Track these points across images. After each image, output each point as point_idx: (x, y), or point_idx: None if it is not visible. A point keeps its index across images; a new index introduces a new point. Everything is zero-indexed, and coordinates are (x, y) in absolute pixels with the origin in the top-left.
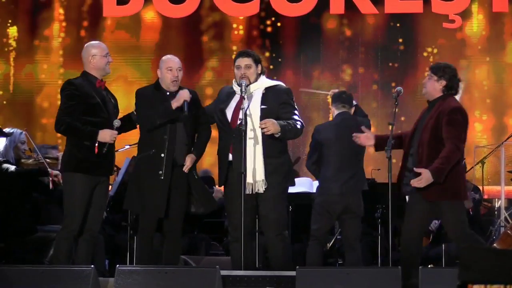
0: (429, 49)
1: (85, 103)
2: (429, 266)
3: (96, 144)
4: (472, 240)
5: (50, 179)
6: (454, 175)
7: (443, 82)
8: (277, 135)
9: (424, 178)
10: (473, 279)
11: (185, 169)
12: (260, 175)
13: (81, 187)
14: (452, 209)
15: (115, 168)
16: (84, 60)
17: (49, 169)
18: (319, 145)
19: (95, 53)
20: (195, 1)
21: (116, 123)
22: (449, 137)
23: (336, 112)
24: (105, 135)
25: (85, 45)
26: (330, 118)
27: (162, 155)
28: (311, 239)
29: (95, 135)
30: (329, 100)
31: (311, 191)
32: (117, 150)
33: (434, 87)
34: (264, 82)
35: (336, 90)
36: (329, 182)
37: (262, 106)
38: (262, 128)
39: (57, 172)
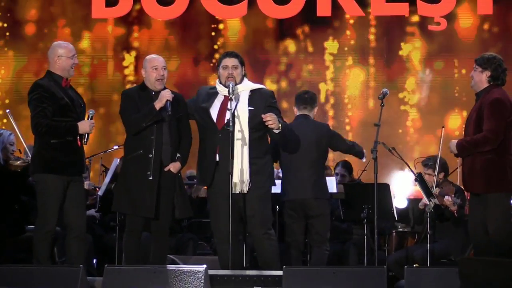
0: None
1: (54, 104)
2: (414, 265)
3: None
4: (505, 241)
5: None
6: (495, 167)
7: (488, 73)
8: (277, 131)
9: (450, 145)
10: None
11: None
12: (246, 175)
13: (53, 187)
14: (495, 202)
15: (103, 169)
16: (50, 60)
17: None
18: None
19: (61, 53)
20: (183, 3)
21: (91, 112)
22: (485, 129)
23: (297, 113)
24: (84, 126)
25: (53, 44)
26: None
27: (150, 155)
28: (291, 247)
29: (76, 129)
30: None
31: None
32: (105, 151)
33: (480, 79)
34: (249, 84)
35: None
36: (290, 184)
37: (250, 108)
38: (266, 121)
39: None
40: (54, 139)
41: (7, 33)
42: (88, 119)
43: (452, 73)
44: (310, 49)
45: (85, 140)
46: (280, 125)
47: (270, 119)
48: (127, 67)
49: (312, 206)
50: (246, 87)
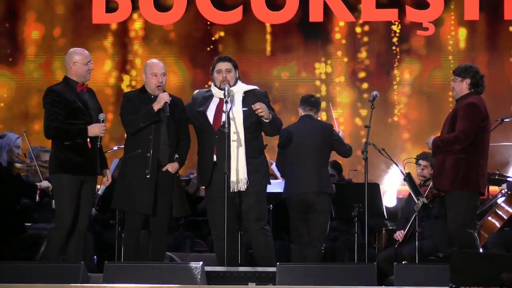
0: None
1: (67, 108)
2: (403, 262)
3: (88, 140)
4: (466, 239)
5: (38, 192)
6: (462, 166)
7: (468, 81)
8: (267, 120)
9: (427, 142)
10: (465, 282)
11: (164, 169)
12: (243, 173)
13: (69, 187)
14: (454, 199)
15: None
16: (66, 66)
17: (37, 183)
18: (285, 146)
19: (77, 60)
20: (180, 9)
21: (101, 116)
22: (457, 129)
23: (302, 113)
24: (94, 129)
25: (69, 51)
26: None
27: (148, 154)
28: (293, 242)
29: (85, 132)
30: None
31: None
32: (105, 152)
33: (461, 88)
34: (243, 86)
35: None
36: (294, 182)
37: (244, 109)
38: (256, 109)
39: (47, 184)
40: (65, 141)
41: (10, 59)
42: (99, 123)
43: (443, 94)
44: (303, 74)
45: (98, 143)
46: (270, 115)
47: (259, 107)
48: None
49: (314, 201)
50: (239, 89)
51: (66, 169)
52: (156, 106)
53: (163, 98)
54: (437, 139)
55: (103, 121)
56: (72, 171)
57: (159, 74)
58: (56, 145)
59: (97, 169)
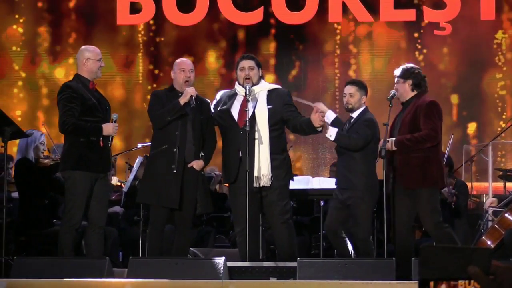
0: None
1: (82, 105)
2: None
3: (101, 138)
4: (444, 231)
5: None
6: (430, 164)
7: (410, 81)
8: (319, 129)
9: (389, 143)
10: (433, 276)
11: (189, 165)
12: (267, 169)
13: (81, 184)
14: (427, 197)
15: (128, 166)
16: (78, 63)
17: None
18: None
19: (89, 56)
20: (203, 10)
21: (114, 116)
22: (426, 127)
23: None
24: (108, 128)
25: (80, 48)
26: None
27: (175, 150)
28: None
29: (100, 130)
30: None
31: (309, 188)
32: (130, 150)
33: (404, 89)
34: (266, 85)
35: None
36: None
37: (269, 106)
38: (321, 113)
39: None
40: (80, 138)
41: (23, 74)
42: (112, 122)
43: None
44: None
45: (110, 142)
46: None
47: (322, 123)
48: None
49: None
50: (263, 87)
51: (81, 166)
52: (182, 100)
53: (189, 92)
54: (404, 139)
55: (115, 121)
56: (87, 168)
57: (187, 70)
58: (71, 142)
59: (110, 166)
